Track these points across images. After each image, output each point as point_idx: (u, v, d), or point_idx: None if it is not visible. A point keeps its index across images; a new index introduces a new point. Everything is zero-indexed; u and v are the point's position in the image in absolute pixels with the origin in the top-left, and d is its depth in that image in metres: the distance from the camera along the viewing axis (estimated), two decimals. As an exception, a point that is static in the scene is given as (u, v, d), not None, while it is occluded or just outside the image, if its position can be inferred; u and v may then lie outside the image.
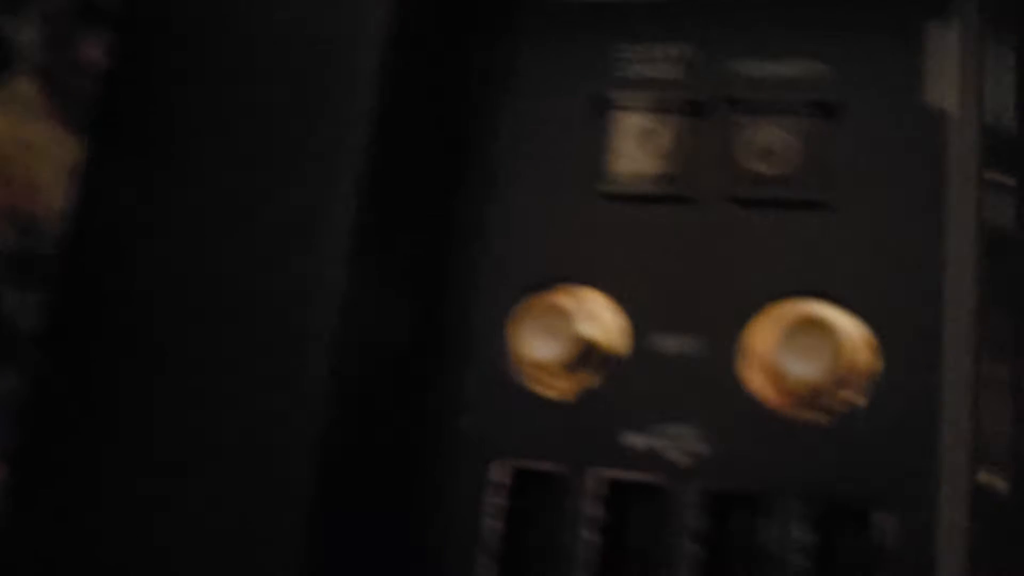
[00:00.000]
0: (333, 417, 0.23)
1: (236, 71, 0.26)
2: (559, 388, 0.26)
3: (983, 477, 0.22)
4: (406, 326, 0.26)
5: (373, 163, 0.24)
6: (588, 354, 0.25)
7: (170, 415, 0.24)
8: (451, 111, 0.28)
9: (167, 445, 0.24)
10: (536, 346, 0.25)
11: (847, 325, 0.24)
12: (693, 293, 0.25)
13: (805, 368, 0.24)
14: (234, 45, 0.26)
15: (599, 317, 0.26)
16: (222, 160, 0.25)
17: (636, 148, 0.27)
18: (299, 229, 0.24)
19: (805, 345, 0.24)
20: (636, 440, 0.25)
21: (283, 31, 0.26)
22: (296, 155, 0.25)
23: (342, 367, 0.23)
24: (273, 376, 0.23)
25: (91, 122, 0.26)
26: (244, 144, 0.25)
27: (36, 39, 0.23)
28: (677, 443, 0.25)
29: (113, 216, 0.25)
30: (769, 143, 0.26)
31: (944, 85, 0.25)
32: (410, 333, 0.26)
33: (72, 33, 0.24)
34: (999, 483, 0.22)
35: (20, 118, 0.23)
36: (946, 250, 0.24)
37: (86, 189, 0.25)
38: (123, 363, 0.24)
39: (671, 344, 0.25)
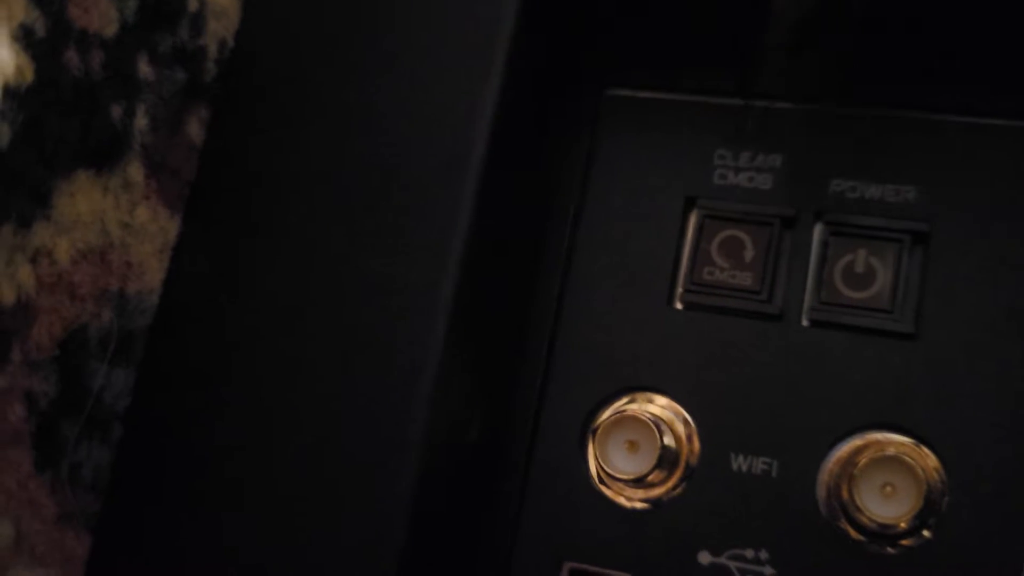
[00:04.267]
0: (419, 518, 0.23)
1: (333, 153, 0.26)
2: (632, 496, 0.26)
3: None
4: (481, 425, 0.26)
5: (468, 259, 0.25)
6: (663, 466, 0.25)
7: (251, 496, 0.24)
8: (535, 207, 0.28)
9: (250, 528, 0.24)
10: (614, 455, 0.25)
11: (924, 462, 0.24)
12: (771, 413, 0.25)
13: (880, 505, 0.24)
14: (332, 126, 0.26)
15: (675, 429, 0.26)
16: (315, 239, 0.26)
17: (722, 258, 0.27)
18: (395, 317, 0.24)
19: (882, 483, 0.24)
20: (704, 557, 0.25)
21: (385, 115, 0.26)
22: (390, 243, 0.25)
23: (430, 471, 0.23)
24: (356, 471, 0.24)
25: (187, 199, 0.26)
26: (338, 224, 0.26)
27: (147, 123, 0.24)
28: (746, 564, 0.25)
29: (205, 293, 0.26)
30: (859, 267, 0.26)
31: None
32: (485, 432, 0.26)
33: (178, 114, 0.25)
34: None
35: (127, 203, 0.23)
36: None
37: (180, 266, 0.26)
38: (208, 441, 0.25)
39: (746, 463, 0.25)
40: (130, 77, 0.23)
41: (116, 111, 0.23)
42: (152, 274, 0.25)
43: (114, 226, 0.23)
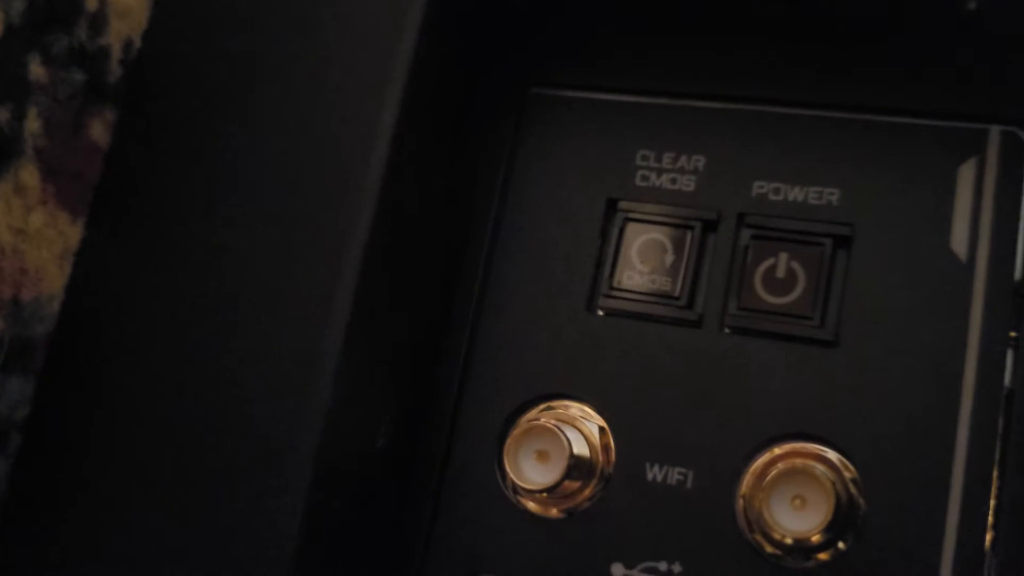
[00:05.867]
0: (315, 525, 0.23)
1: (240, 158, 0.25)
2: (547, 506, 0.25)
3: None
4: (389, 432, 0.25)
5: (368, 265, 0.24)
6: (574, 476, 0.25)
7: (153, 504, 0.24)
8: (455, 207, 0.27)
9: (149, 533, 0.24)
10: (524, 465, 0.25)
11: (837, 473, 0.23)
12: (688, 423, 0.25)
13: (791, 519, 0.23)
14: (238, 129, 0.25)
15: (591, 437, 0.25)
16: (217, 246, 0.25)
17: (641, 261, 0.26)
18: (292, 325, 0.24)
19: (792, 495, 0.23)
20: (617, 569, 0.24)
21: (289, 124, 0.25)
22: (294, 247, 0.24)
23: (327, 478, 0.23)
24: (249, 479, 0.23)
25: (90, 204, 0.26)
26: (243, 229, 0.25)
27: (40, 126, 0.23)
28: (658, 577, 0.24)
29: (108, 299, 0.25)
30: (780, 272, 0.25)
31: (972, 233, 0.24)
32: (395, 439, 0.25)
33: (79, 116, 0.24)
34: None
35: (20, 208, 0.23)
36: (960, 406, 0.23)
37: (82, 272, 0.25)
38: (112, 450, 0.24)
39: (661, 473, 0.25)
40: (20, 79, 0.23)
41: (3, 114, 0.22)
42: (51, 280, 0.24)
43: (5, 232, 0.23)
